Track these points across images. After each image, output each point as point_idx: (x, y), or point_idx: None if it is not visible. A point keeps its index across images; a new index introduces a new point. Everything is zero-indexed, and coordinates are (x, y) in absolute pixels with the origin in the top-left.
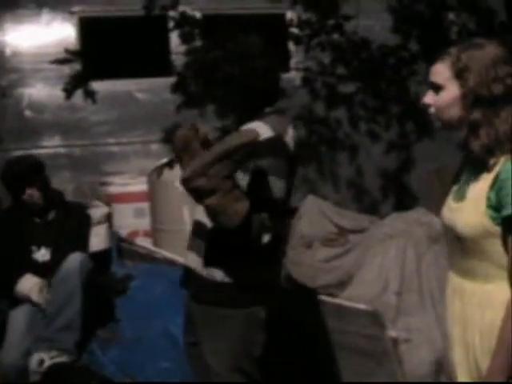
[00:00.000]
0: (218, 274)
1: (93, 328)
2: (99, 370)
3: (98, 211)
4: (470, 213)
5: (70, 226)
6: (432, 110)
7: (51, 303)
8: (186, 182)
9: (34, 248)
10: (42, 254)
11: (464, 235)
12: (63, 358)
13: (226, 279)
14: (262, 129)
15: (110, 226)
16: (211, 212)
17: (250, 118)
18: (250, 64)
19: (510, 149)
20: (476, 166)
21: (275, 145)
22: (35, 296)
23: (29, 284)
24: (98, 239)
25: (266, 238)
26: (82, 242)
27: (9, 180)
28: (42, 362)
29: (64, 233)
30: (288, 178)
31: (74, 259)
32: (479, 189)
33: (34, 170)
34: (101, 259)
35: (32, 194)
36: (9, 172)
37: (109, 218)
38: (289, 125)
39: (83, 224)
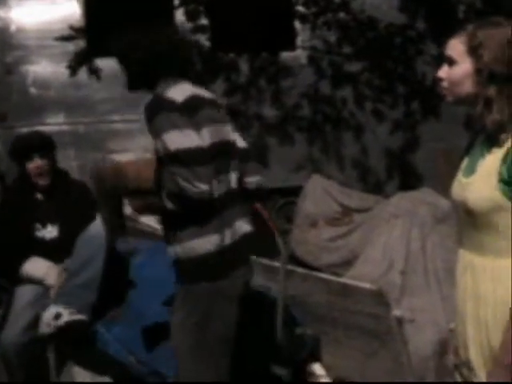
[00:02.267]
0: (178, 250)
1: (105, 297)
2: (103, 346)
3: None
4: (480, 186)
5: (75, 202)
6: (445, 83)
7: (74, 259)
8: None
9: (38, 226)
10: (49, 231)
11: (475, 209)
12: (81, 317)
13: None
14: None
15: None
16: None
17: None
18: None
19: None
20: (487, 141)
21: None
22: (52, 280)
23: (41, 268)
24: None
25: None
26: (89, 218)
27: (19, 150)
28: (58, 315)
29: (70, 209)
30: None
31: (100, 224)
32: (490, 163)
33: (45, 143)
34: None
35: (41, 166)
36: (21, 142)
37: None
38: None
39: (86, 202)
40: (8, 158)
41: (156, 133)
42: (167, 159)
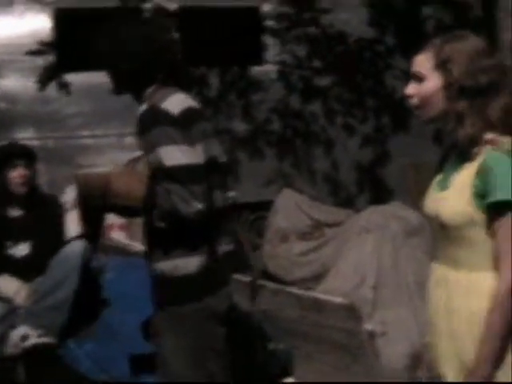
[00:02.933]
0: (163, 268)
1: (77, 316)
2: (74, 363)
3: (68, 195)
4: (454, 201)
5: (48, 218)
6: (414, 100)
7: (46, 279)
8: None
9: (9, 243)
10: (20, 249)
11: (449, 223)
12: (48, 339)
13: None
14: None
15: None
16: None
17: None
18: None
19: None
20: (459, 155)
21: None
22: (21, 300)
23: (11, 287)
24: (74, 224)
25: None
26: (58, 236)
27: (3, 157)
28: (26, 337)
29: (44, 225)
30: None
31: (77, 245)
32: (463, 177)
33: (30, 154)
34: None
35: (24, 175)
36: (5, 149)
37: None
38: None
39: (58, 218)
40: None
41: (151, 146)
42: (162, 175)
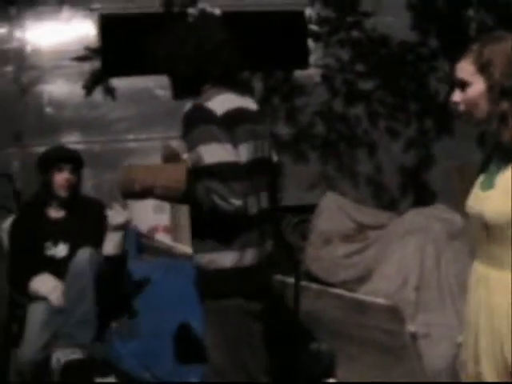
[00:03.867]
0: (200, 260)
1: (108, 321)
2: (118, 363)
3: (117, 217)
4: (498, 200)
5: (88, 221)
6: (462, 107)
7: (66, 299)
8: None
9: (49, 244)
10: (60, 250)
11: (492, 222)
12: (77, 355)
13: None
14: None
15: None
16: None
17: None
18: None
19: None
20: (503, 155)
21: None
22: (55, 299)
23: (47, 285)
24: (111, 244)
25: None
26: (98, 239)
27: (52, 160)
28: (58, 360)
29: (83, 228)
30: None
31: (83, 254)
32: (508, 177)
33: (77, 159)
34: (113, 263)
35: (70, 179)
36: (55, 152)
37: (126, 225)
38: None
39: (101, 221)
40: (37, 168)
41: (192, 144)
42: (202, 172)
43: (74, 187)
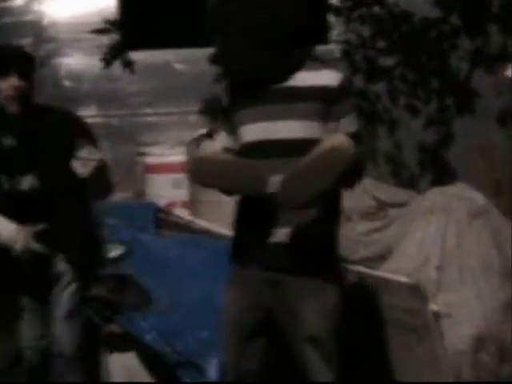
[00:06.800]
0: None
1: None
2: (139, 336)
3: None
4: None
5: (57, 138)
6: None
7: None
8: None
9: (4, 177)
10: (22, 184)
11: None
12: None
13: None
14: None
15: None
16: None
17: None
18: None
19: None
20: None
21: None
22: (20, 245)
23: (8, 229)
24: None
25: None
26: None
27: None
28: None
29: (52, 150)
30: None
31: (62, 303)
32: None
33: (28, 60)
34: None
35: (18, 87)
36: None
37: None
38: None
39: (76, 135)
40: None
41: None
42: None
43: (26, 98)
